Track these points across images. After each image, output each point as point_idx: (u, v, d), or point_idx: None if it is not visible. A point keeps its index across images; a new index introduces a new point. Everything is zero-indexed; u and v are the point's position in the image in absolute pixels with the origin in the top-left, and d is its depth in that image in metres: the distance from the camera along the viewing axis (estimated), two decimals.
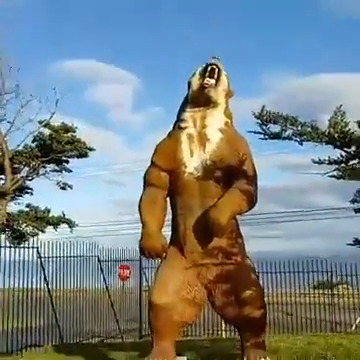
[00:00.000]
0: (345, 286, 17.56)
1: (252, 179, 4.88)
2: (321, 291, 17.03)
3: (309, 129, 4.32)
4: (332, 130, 4.29)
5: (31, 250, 11.36)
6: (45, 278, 11.77)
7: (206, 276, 4.80)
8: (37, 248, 11.57)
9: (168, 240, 5.00)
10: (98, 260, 13.64)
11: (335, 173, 4.51)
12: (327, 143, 4.33)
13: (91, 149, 27.28)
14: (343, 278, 16.44)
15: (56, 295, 12.16)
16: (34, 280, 11.40)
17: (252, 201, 4.86)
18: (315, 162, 4.59)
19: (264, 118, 4.16)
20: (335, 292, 16.02)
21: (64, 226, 27.78)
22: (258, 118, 4.13)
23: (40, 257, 11.62)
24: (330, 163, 4.40)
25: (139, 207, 5.01)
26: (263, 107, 4.12)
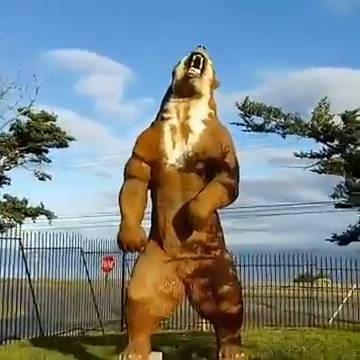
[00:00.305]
0: (325, 280, 17.61)
1: (234, 172, 4.77)
2: (301, 284, 17.09)
3: (292, 121, 4.20)
4: (315, 123, 4.18)
5: (13, 241, 11.16)
6: (27, 270, 11.56)
7: (184, 270, 4.69)
8: (19, 239, 11.34)
9: (148, 233, 4.88)
10: (81, 252, 13.43)
11: (317, 167, 4.39)
12: (310, 136, 4.21)
13: (71, 139, 25.97)
14: (323, 272, 16.51)
15: (38, 286, 11.95)
16: (15, 271, 11.19)
17: (233, 194, 4.75)
18: (297, 155, 4.47)
19: (247, 109, 4.03)
20: (315, 285, 16.04)
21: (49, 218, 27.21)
22: (241, 109, 3.99)
23: (22, 248, 11.39)
24: (312, 157, 4.27)
25: (119, 199, 4.87)
26: (246, 98, 3.98)
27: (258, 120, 4.27)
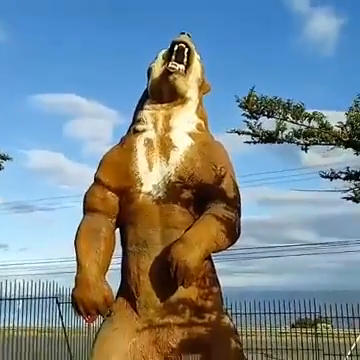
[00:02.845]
0: (325, 325, 16.00)
1: (233, 202, 3.36)
2: (303, 330, 15.50)
3: (316, 127, 2.84)
4: (349, 129, 2.84)
5: None
6: None
7: (167, 342, 3.21)
8: None
9: (116, 289, 3.44)
10: (57, 302, 12.03)
11: (354, 192, 3.00)
12: (346, 146, 2.86)
13: (5, 158, 23.87)
14: (322, 317, 14.92)
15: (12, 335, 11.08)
16: None
17: (234, 233, 3.34)
18: (325, 176, 3.08)
19: (254, 108, 2.68)
20: (318, 331, 14.44)
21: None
22: (245, 107, 2.64)
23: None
24: (349, 177, 2.91)
25: (75, 242, 3.43)
26: (252, 89, 2.62)
27: (268, 123, 2.88)
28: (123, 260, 3.45)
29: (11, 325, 11.89)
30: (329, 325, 16.10)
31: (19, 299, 11.90)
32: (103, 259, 3.35)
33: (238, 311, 13.73)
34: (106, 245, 3.39)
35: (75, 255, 3.38)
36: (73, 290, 3.30)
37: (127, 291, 3.35)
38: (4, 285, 11.63)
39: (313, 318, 13.97)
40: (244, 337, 13.17)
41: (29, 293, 11.90)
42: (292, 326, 17.11)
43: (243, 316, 13.70)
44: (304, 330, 14.63)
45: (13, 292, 12.23)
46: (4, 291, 11.38)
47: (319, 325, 15.73)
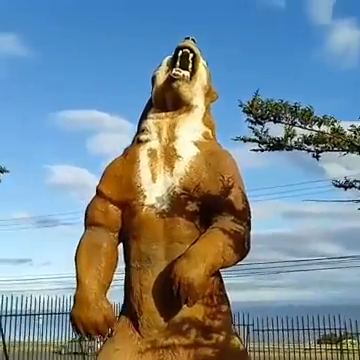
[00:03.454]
0: (352, 341, 15.42)
1: (242, 215, 3.13)
2: (327, 346, 14.98)
3: (328, 132, 2.59)
4: None
5: None
6: None
7: None
8: None
9: (118, 308, 3.22)
10: None
11: None
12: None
13: (3, 171, 23.33)
14: (348, 333, 14.38)
15: None
16: None
17: (243, 248, 3.10)
18: (338, 185, 2.84)
19: (258, 112, 2.45)
20: (344, 347, 13.93)
21: None
22: (249, 112, 2.42)
23: None
24: None
25: (75, 258, 3.24)
26: (256, 93, 2.40)
27: (275, 129, 2.66)
28: (126, 277, 3.25)
29: (33, 340, 11.81)
30: (355, 341, 15.52)
31: (40, 314, 11.84)
32: (104, 276, 3.15)
33: (262, 327, 13.37)
34: (107, 261, 3.19)
35: (75, 272, 3.19)
36: (72, 309, 3.11)
37: (130, 310, 3.13)
38: (28, 300, 11.55)
39: (338, 334, 13.45)
40: (267, 354, 12.81)
41: (51, 308, 11.85)
42: (317, 342, 16.60)
43: (267, 332, 13.30)
44: (329, 346, 14.13)
45: (34, 307, 12.17)
46: (26, 306, 11.35)
47: (345, 341, 15.19)
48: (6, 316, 12.69)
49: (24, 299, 12.86)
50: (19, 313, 12.91)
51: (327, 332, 13.68)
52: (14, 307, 12.73)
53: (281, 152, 2.79)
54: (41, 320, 13.48)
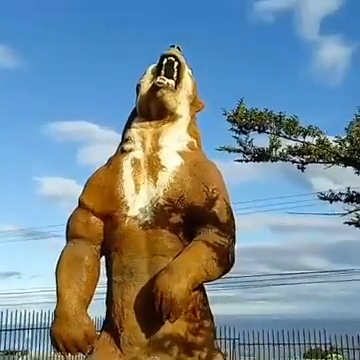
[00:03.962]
0: (336, 355, 15.32)
1: (227, 227, 3.04)
2: None
3: (314, 143, 2.53)
4: (349, 145, 2.53)
5: None
6: None
7: None
8: None
9: (100, 322, 3.10)
10: None
11: (357, 216, 2.67)
12: (346, 164, 2.54)
13: None
14: (333, 348, 14.29)
15: None
16: None
17: (227, 262, 3.00)
18: (324, 198, 2.76)
19: (243, 121, 2.38)
20: None
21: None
22: (233, 121, 2.34)
23: None
24: (350, 199, 2.59)
25: (55, 271, 3.12)
26: (241, 101, 2.32)
27: (260, 139, 2.58)
28: (108, 291, 3.13)
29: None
30: (340, 356, 15.44)
31: (28, 329, 11.60)
32: (85, 290, 3.03)
33: (248, 341, 13.21)
34: (89, 275, 3.08)
35: (55, 286, 3.07)
36: (51, 324, 2.98)
37: (111, 325, 3.02)
38: (13, 315, 11.25)
39: (324, 349, 13.35)
40: None
41: (39, 322, 11.63)
42: (303, 356, 16.48)
43: (253, 346, 13.14)
44: None
45: (22, 321, 11.91)
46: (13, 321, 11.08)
47: (330, 356, 15.09)
48: None
49: (10, 313, 12.55)
50: (5, 328, 12.60)
51: (313, 347, 13.59)
52: (1, 322, 12.43)
53: (270, 164, 2.72)
54: (30, 335, 13.17)
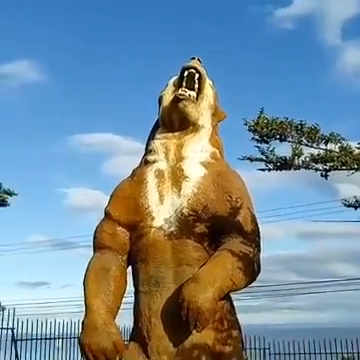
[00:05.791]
0: None
1: (252, 236, 3.01)
2: None
3: (336, 151, 2.48)
4: None
5: None
6: None
7: None
8: None
9: (128, 331, 3.09)
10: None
11: None
12: None
13: (11, 194, 20.36)
14: None
15: None
16: None
17: (253, 270, 2.97)
18: (348, 205, 2.71)
19: (264, 131, 2.36)
20: None
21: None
22: (254, 130, 2.33)
23: None
24: None
25: (83, 282, 3.14)
26: (261, 111, 2.31)
27: (282, 148, 2.55)
28: (135, 301, 3.13)
29: None
30: None
31: (58, 338, 11.60)
32: (113, 300, 3.03)
33: (279, 351, 12.94)
34: (116, 285, 3.08)
35: (83, 297, 3.08)
36: (80, 335, 2.99)
37: (139, 335, 3.01)
38: (43, 324, 11.24)
39: (357, 358, 12.98)
40: None
41: (70, 332, 11.64)
42: None
43: (284, 356, 12.87)
44: None
45: (52, 331, 11.91)
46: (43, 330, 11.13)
47: None
48: (22, 340, 12.47)
49: (39, 323, 12.63)
50: (36, 337, 12.66)
51: (345, 356, 13.25)
52: (30, 331, 12.52)
53: (293, 172, 2.67)
54: (60, 344, 13.22)
